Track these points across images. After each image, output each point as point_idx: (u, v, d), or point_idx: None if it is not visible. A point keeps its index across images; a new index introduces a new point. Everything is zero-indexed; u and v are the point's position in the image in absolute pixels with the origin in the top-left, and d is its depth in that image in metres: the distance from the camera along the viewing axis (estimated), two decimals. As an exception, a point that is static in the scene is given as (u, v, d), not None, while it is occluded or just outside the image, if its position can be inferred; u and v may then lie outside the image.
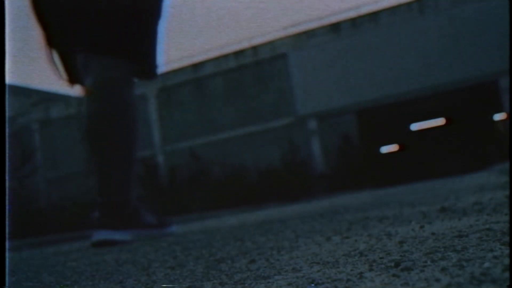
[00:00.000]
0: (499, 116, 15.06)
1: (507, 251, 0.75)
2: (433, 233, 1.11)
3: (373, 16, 15.28)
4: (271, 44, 16.22)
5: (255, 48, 16.42)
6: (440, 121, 19.17)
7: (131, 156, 2.65)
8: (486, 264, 0.68)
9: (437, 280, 0.63)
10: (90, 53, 2.61)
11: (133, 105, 2.65)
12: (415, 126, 19.35)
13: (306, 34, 15.75)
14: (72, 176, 17.07)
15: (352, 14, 15.60)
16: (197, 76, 17.04)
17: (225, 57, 16.80)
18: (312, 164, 14.93)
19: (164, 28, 2.71)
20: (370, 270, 0.78)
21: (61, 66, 2.69)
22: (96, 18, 2.57)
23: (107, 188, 2.58)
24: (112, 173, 2.59)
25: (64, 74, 2.70)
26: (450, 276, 0.64)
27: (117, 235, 2.50)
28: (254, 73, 16.36)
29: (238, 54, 16.63)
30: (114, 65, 2.60)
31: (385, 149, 19.65)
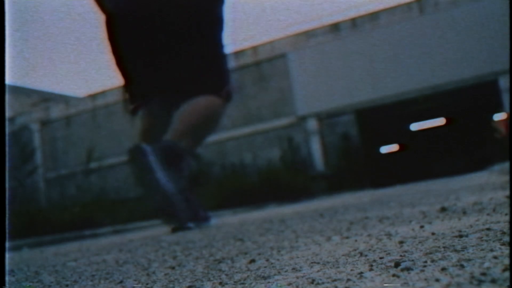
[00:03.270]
0: (499, 116, 15.05)
1: (507, 251, 0.75)
2: (433, 233, 1.11)
3: (373, 16, 15.28)
4: (271, 44, 16.21)
5: (255, 48, 16.42)
6: (440, 121, 19.15)
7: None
8: (486, 264, 0.68)
9: (437, 280, 0.63)
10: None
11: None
12: (415, 126, 19.33)
13: (306, 34, 15.74)
14: (72, 176, 17.07)
15: (352, 14, 15.60)
16: (197, 76, 17.02)
17: (225, 57, 16.79)
18: (312, 164, 14.92)
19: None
20: (370, 270, 0.78)
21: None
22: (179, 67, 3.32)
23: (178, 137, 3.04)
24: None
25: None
26: (450, 276, 0.64)
27: (152, 157, 2.82)
28: (254, 73, 16.36)
29: (238, 54, 16.63)
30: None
31: (385, 149, 19.63)
